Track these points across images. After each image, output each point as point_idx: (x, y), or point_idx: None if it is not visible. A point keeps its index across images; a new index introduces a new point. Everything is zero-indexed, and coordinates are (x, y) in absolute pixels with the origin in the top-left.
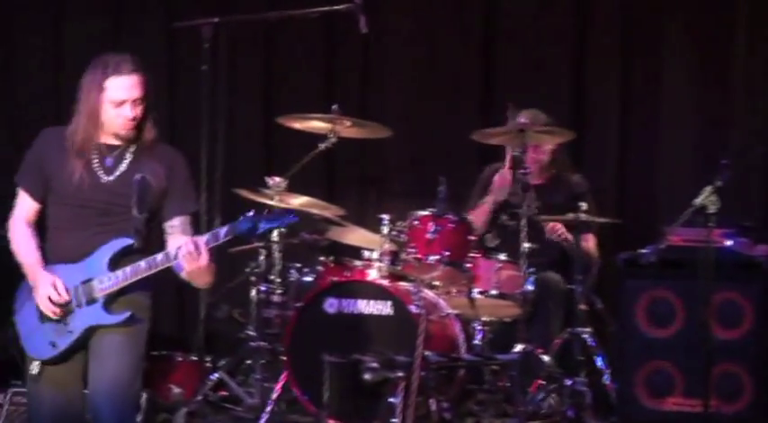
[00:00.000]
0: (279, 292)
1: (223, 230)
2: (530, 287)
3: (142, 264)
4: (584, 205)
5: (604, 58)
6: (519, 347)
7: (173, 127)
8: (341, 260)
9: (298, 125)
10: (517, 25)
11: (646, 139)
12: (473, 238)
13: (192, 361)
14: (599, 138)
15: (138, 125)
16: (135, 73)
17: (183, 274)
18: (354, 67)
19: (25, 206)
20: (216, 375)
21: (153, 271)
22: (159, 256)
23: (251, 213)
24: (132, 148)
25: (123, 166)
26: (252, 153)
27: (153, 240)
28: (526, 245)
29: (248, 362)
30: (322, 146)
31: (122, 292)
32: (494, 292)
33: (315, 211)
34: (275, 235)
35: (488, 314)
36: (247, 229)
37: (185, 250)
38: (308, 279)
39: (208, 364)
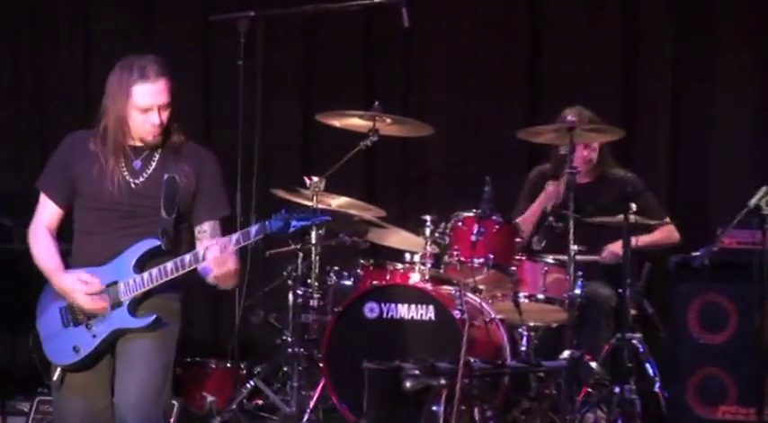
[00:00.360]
0: (317, 296)
1: (254, 229)
2: (578, 291)
3: (169, 265)
4: (633, 206)
5: (656, 54)
6: (566, 354)
7: (207, 124)
8: (381, 263)
9: (337, 123)
10: (566, 19)
11: (698, 137)
12: (519, 240)
13: (227, 368)
14: (649, 136)
15: (166, 129)
16: (161, 77)
17: (210, 278)
18: (396, 62)
19: (47, 211)
20: (251, 383)
21: (180, 273)
22: (187, 257)
23: (283, 211)
24: (160, 150)
25: (151, 169)
26: (289, 152)
27: (182, 243)
28: (574, 247)
29: (285, 369)
30: (362, 144)
31: (149, 295)
32: (540, 296)
33: (354, 212)
34: (313, 237)
35: (534, 319)
36: (279, 228)
37: (213, 254)
38: (348, 283)
39: (243, 372)
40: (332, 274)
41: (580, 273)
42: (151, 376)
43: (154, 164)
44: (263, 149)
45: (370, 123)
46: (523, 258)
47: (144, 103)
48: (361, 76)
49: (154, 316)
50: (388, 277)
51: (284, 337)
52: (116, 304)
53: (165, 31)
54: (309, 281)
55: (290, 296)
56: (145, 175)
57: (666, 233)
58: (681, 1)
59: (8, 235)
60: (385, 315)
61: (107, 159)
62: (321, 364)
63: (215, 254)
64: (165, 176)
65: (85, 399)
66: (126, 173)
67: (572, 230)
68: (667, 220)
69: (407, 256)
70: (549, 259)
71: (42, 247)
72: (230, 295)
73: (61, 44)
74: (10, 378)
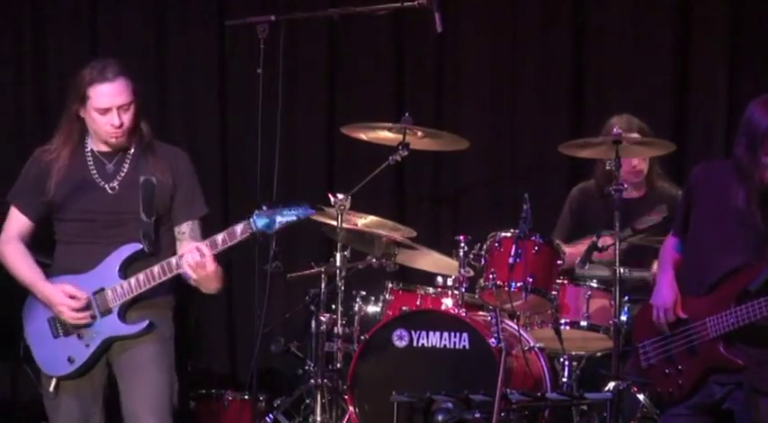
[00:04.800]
0: (342, 322)
1: (239, 228)
2: (624, 317)
3: (155, 269)
4: None
5: (710, 61)
6: (611, 385)
7: (224, 136)
8: (411, 287)
9: (364, 136)
10: (613, 25)
11: None
12: (560, 262)
13: (244, 400)
14: (703, 150)
15: (130, 131)
16: (119, 77)
17: (193, 280)
18: (428, 70)
19: (17, 224)
20: (271, 417)
21: (168, 276)
22: (174, 260)
23: (266, 208)
24: (131, 152)
25: (124, 171)
26: (313, 167)
27: (166, 245)
28: (621, 270)
29: (307, 401)
30: (391, 159)
31: (139, 299)
32: (583, 323)
33: (382, 232)
34: (338, 259)
35: (577, 348)
36: (264, 224)
37: (190, 260)
38: (375, 308)
39: (262, 404)
40: (358, 299)
41: (626, 297)
42: (162, 379)
43: (126, 166)
44: (285, 164)
45: (399, 136)
46: (565, 282)
47: (102, 103)
48: (390, 86)
49: (147, 321)
50: (418, 302)
51: (306, 367)
52: (105, 311)
53: (177, 35)
54: (334, 306)
55: (313, 323)
56: (119, 178)
57: None
58: (737, 5)
59: None
60: (415, 343)
61: (76, 166)
62: (346, 397)
63: (195, 258)
64: (142, 179)
65: (80, 401)
66: (98, 179)
67: (618, 251)
68: None
69: (439, 279)
70: (593, 283)
71: (18, 259)
72: (248, 322)
73: (63, 45)
74: None
